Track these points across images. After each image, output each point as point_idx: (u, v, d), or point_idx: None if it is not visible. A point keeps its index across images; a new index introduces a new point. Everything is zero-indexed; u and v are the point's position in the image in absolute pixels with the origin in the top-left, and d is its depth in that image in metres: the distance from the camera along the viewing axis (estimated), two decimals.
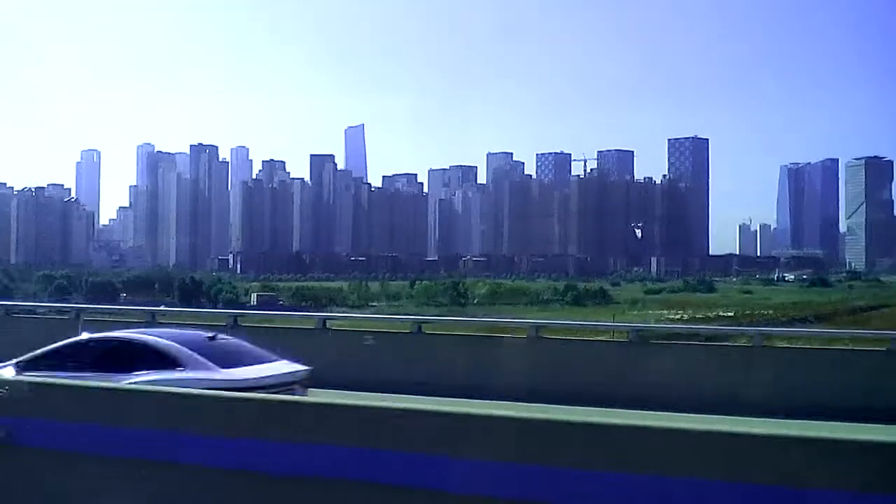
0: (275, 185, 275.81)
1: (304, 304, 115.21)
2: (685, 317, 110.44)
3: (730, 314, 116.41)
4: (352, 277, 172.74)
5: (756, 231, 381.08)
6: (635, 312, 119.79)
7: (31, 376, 10.56)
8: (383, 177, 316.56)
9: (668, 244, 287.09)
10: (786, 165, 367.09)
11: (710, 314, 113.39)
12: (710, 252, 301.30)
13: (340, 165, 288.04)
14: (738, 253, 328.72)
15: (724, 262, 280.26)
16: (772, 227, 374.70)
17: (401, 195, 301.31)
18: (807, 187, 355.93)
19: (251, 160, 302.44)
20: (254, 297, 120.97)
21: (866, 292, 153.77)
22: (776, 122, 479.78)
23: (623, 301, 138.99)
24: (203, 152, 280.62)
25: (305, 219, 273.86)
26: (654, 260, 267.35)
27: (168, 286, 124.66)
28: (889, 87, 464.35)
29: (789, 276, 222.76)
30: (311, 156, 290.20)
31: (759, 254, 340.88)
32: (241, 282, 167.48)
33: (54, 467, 7.06)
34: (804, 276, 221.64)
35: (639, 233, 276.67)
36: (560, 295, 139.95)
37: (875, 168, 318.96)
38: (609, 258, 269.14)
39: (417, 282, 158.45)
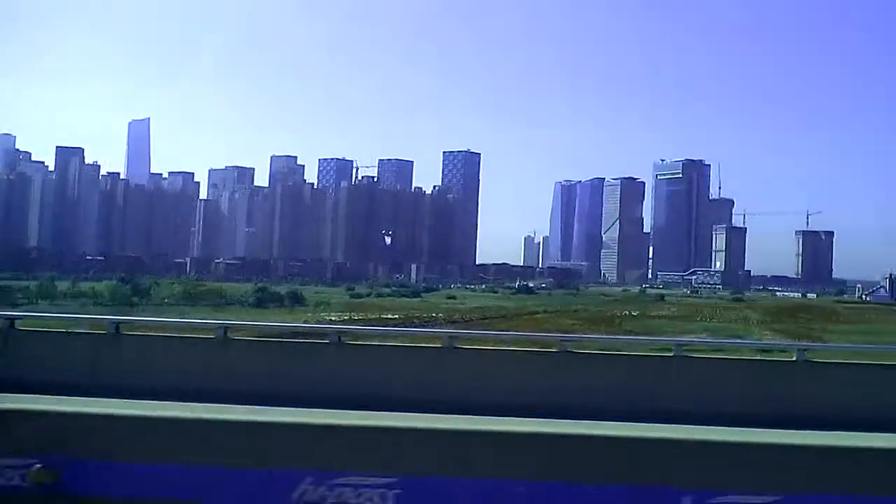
0: (12, 177, 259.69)
1: None
2: (349, 318, 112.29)
3: (396, 317, 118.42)
4: (86, 277, 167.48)
5: (539, 243, 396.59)
6: (308, 314, 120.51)
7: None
8: (150, 174, 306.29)
9: (433, 252, 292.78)
10: (560, 182, 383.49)
11: (372, 316, 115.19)
12: (477, 261, 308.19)
13: (90, 159, 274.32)
14: (522, 263, 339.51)
15: (492, 272, 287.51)
16: (549, 240, 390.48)
17: (165, 194, 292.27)
18: (577, 203, 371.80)
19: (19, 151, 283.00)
20: None
21: (556, 300, 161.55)
22: (556, 140, 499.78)
23: (314, 304, 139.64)
24: None
25: (46, 214, 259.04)
26: (413, 267, 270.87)
27: None
28: (646, 112, 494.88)
29: (531, 285, 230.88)
30: (57, 147, 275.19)
31: (540, 265, 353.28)
32: None
33: None
34: (543, 285, 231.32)
35: (388, 239, 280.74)
36: (247, 296, 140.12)
37: (629, 188, 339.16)
38: (371, 264, 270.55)
39: (117, 282, 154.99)
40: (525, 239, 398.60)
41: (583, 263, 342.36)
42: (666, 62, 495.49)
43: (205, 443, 9.32)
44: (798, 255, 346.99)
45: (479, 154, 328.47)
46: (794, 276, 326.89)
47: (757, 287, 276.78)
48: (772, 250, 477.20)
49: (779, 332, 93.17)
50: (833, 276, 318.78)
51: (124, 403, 10.47)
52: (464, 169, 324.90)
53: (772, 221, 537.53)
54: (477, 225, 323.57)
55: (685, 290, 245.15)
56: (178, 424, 9.45)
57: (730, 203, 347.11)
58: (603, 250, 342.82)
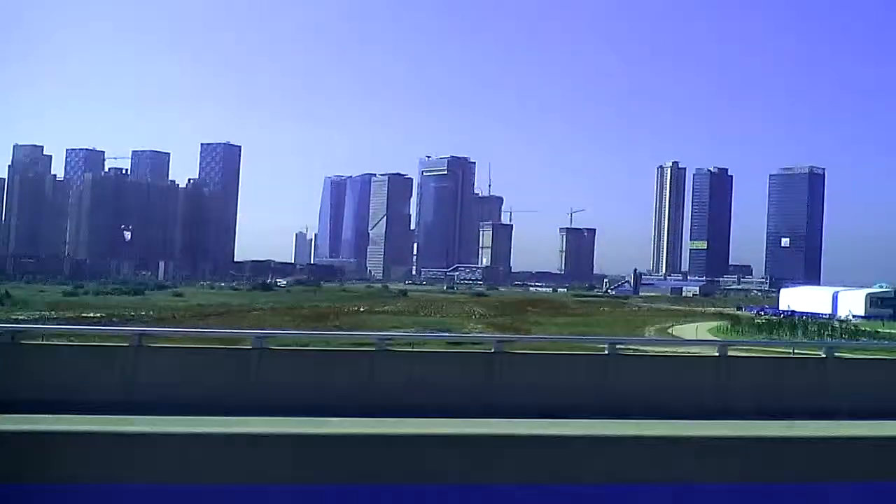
0: None
1: None
2: (40, 317, 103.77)
3: (100, 315, 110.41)
4: None
5: (312, 240, 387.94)
6: None
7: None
8: None
9: (186, 248, 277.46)
10: (330, 177, 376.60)
11: (70, 315, 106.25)
12: (238, 258, 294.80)
13: None
14: (293, 260, 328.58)
15: (248, 269, 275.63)
16: (319, 237, 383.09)
17: None
18: (347, 199, 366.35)
19: None
20: None
21: (293, 296, 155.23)
22: (331, 136, 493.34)
23: (18, 302, 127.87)
24: None
25: None
26: (162, 264, 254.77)
27: None
28: (420, 109, 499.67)
29: (282, 282, 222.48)
30: None
31: (312, 261, 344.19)
32: None
33: None
34: (297, 282, 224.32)
35: (128, 235, 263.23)
36: None
37: (397, 184, 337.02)
38: (115, 261, 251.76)
39: None
40: (297, 235, 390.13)
41: (351, 260, 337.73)
42: (440, 62, 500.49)
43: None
44: (562, 251, 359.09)
45: (240, 147, 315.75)
46: (558, 272, 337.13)
47: (518, 283, 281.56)
48: (537, 247, 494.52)
49: (491, 325, 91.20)
50: (595, 272, 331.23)
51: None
52: (223, 162, 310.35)
53: (538, 219, 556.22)
54: (236, 220, 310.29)
55: (444, 286, 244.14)
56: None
57: (499, 200, 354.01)
58: (370, 247, 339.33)
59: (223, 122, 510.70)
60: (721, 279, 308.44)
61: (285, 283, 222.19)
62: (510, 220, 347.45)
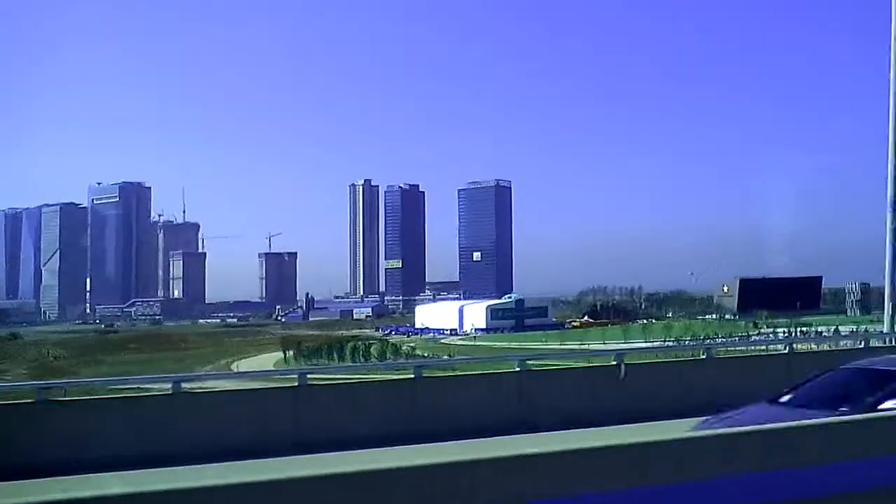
0: None
1: None
2: None
3: None
4: None
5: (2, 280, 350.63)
6: None
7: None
8: None
9: None
10: (4, 210, 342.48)
11: None
12: None
13: None
14: None
15: None
16: None
17: None
18: (24, 234, 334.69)
19: None
20: None
21: None
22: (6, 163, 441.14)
23: None
24: None
25: None
26: None
27: None
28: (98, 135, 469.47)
29: None
30: None
31: None
32: None
33: None
34: None
35: None
36: None
37: (70, 214, 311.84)
38: None
39: None
40: None
41: (31, 301, 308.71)
42: (117, 81, 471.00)
43: None
44: (262, 277, 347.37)
45: None
46: (259, 300, 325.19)
47: (213, 314, 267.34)
48: (238, 274, 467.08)
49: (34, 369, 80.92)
50: (298, 298, 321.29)
51: None
52: None
53: (238, 245, 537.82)
54: None
55: (103, 325, 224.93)
56: None
57: (195, 227, 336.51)
58: (43, 285, 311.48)
59: None
60: (418, 297, 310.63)
61: None
62: (203, 248, 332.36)
